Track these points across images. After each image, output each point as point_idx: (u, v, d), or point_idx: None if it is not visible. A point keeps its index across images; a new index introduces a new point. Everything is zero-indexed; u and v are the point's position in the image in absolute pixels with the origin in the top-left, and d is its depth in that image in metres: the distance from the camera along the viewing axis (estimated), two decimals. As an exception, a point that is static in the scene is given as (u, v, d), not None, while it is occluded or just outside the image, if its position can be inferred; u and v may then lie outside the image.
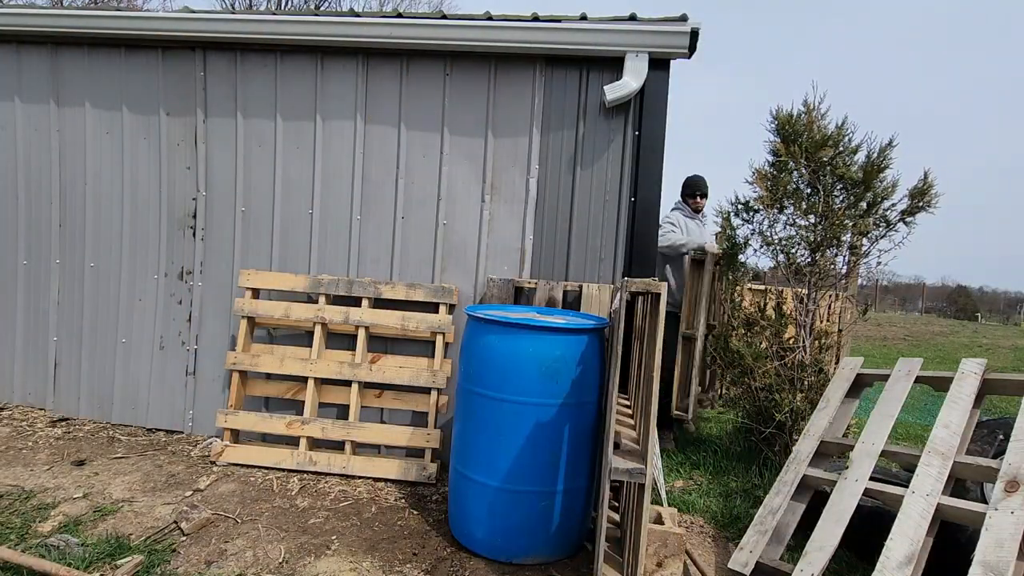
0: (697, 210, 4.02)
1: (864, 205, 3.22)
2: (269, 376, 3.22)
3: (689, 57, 2.94)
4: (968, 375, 2.38)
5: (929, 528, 1.95)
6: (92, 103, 3.40)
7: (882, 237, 3.24)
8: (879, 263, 3.33)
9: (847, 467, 2.28)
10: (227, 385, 3.31)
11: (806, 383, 3.24)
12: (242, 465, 2.97)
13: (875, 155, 3.16)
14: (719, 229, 3.83)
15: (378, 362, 3.12)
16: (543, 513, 2.21)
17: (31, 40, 3.41)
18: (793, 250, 3.37)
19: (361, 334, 3.09)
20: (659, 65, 2.94)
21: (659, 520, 2.12)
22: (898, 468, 2.50)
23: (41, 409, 3.54)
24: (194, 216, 3.36)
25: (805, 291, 3.38)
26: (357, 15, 3.12)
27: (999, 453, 2.31)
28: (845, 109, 3.74)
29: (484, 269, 3.18)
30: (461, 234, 3.20)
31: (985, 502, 2.18)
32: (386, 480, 2.93)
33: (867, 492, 2.16)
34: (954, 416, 2.26)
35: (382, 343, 3.22)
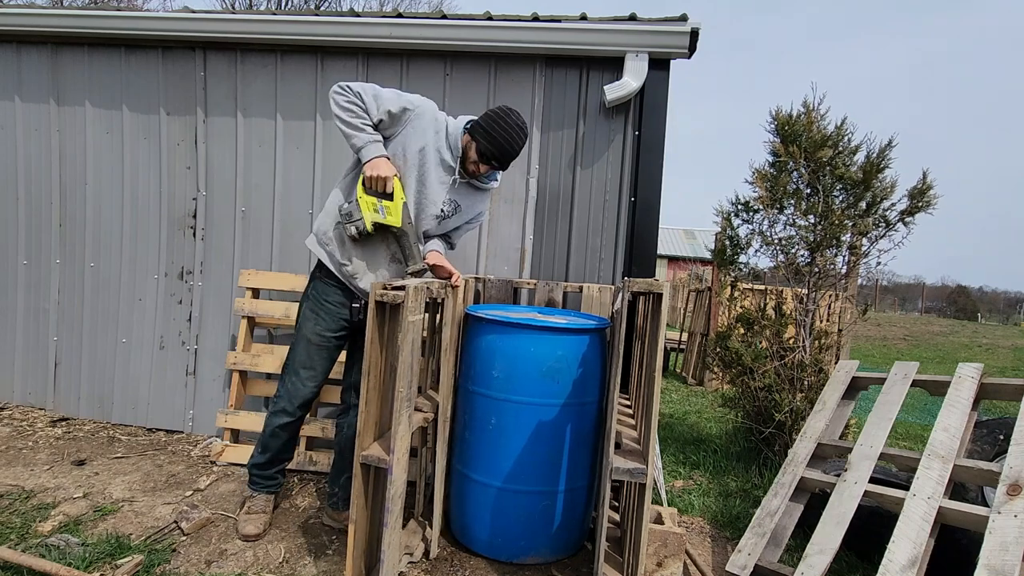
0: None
1: (864, 205, 3.22)
2: (269, 376, 3.22)
3: (689, 57, 2.94)
4: (965, 379, 2.39)
5: (931, 531, 1.95)
6: (92, 103, 3.40)
7: (882, 237, 3.25)
8: (879, 263, 3.34)
9: (846, 469, 2.28)
10: (227, 385, 3.31)
11: (806, 383, 3.24)
12: (242, 465, 2.97)
13: (875, 155, 3.17)
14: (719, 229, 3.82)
15: (378, 362, 3.11)
16: (544, 513, 2.21)
17: (31, 40, 3.41)
18: (793, 250, 3.37)
19: (361, 334, 3.09)
20: (659, 65, 2.94)
21: (659, 520, 2.13)
22: (897, 469, 2.50)
23: (41, 409, 3.54)
24: (194, 216, 3.35)
25: (805, 291, 3.38)
26: (357, 15, 3.12)
27: (1000, 453, 2.32)
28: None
29: (484, 269, 3.18)
30: (461, 234, 3.20)
31: (985, 504, 2.18)
32: (386, 480, 2.93)
33: (867, 494, 2.16)
34: (953, 419, 2.26)
35: (382, 343, 3.22)
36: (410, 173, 2.17)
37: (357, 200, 2.11)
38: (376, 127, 2.13)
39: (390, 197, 2.10)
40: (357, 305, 2.26)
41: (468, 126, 2.20)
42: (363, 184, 2.10)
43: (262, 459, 2.38)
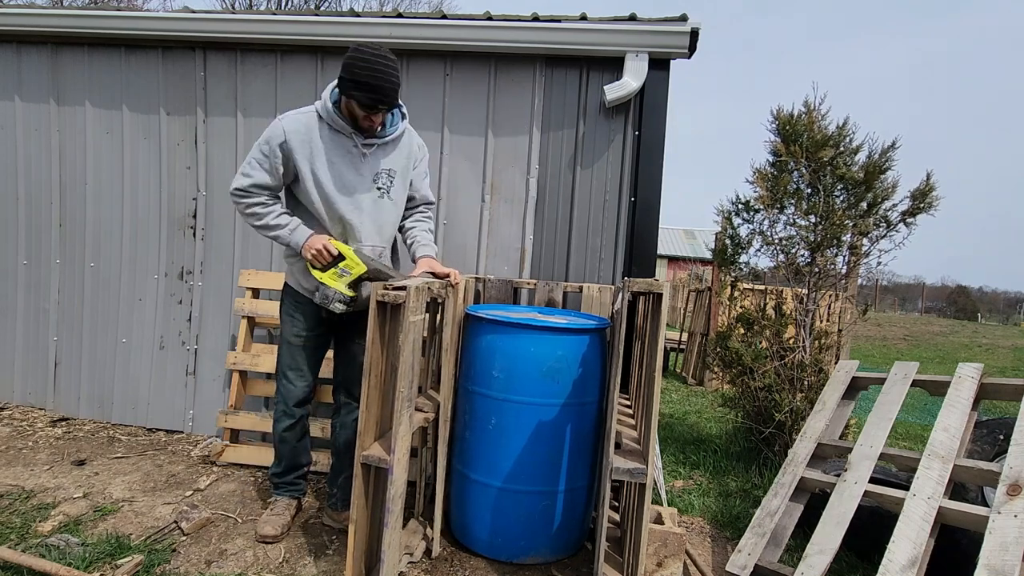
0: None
1: (865, 205, 3.22)
2: (269, 376, 3.22)
3: (689, 57, 2.94)
4: (965, 379, 2.39)
5: (931, 531, 1.95)
6: (92, 103, 3.40)
7: (882, 237, 3.24)
8: (879, 263, 3.34)
9: (846, 469, 2.28)
10: (227, 385, 3.31)
11: (806, 383, 3.24)
12: (242, 465, 2.97)
13: (876, 156, 3.16)
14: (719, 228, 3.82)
15: (378, 362, 3.11)
16: (544, 513, 2.21)
17: (31, 40, 3.41)
18: (793, 250, 3.37)
19: (361, 334, 3.08)
20: (659, 65, 2.94)
21: (659, 520, 2.12)
22: (897, 469, 2.50)
23: (41, 409, 3.54)
24: (194, 216, 3.35)
25: (805, 291, 3.38)
26: (357, 15, 3.12)
27: (1000, 453, 2.31)
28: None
29: (484, 269, 3.18)
30: (461, 234, 3.20)
31: (985, 504, 2.18)
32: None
33: (867, 494, 2.16)
34: (953, 419, 2.26)
35: (382, 343, 3.22)
36: (325, 184, 2.11)
37: (321, 282, 2.13)
38: (286, 179, 2.17)
39: (341, 257, 2.11)
40: None
41: (336, 86, 2.07)
42: (312, 267, 2.13)
43: (278, 468, 2.42)
